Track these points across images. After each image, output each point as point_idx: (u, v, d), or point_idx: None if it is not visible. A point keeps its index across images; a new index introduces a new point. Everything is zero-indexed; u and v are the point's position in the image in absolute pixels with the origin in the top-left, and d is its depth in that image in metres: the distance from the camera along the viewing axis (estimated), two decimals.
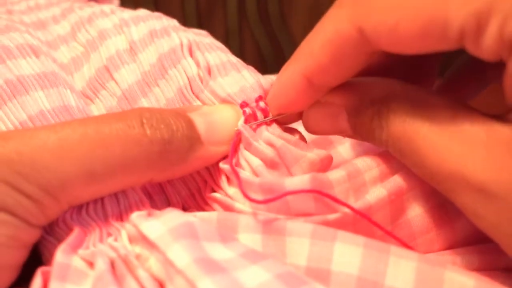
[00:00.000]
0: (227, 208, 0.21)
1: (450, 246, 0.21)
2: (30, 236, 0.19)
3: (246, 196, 0.20)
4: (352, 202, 0.20)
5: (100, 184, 0.19)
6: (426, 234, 0.21)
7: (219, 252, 0.18)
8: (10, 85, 0.23)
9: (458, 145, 0.18)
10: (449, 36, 0.17)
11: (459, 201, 0.18)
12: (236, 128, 0.22)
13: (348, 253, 0.18)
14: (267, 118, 0.22)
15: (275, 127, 0.22)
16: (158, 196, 0.23)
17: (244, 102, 0.23)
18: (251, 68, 0.25)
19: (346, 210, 0.20)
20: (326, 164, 0.22)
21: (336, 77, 0.20)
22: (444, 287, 0.17)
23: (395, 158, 0.21)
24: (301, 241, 0.19)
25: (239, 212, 0.20)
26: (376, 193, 0.20)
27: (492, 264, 0.20)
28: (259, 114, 0.22)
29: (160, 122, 0.20)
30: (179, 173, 0.21)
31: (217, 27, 0.53)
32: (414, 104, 0.19)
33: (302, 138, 0.23)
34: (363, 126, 0.21)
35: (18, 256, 0.19)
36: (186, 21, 0.53)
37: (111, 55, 0.25)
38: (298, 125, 0.24)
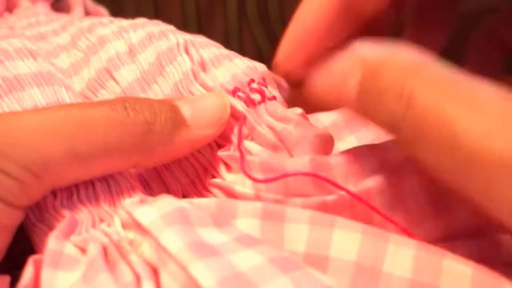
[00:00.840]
0: (227, 192, 0.21)
1: (449, 237, 0.21)
2: (11, 218, 0.19)
3: (246, 173, 0.20)
4: (350, 186, 0.20)
5: (83, 165, 0.19)
6: (424, 223, 0.21)
7: (213, 236, 0.18)
8: (7, 81, 0.24)
9: (498, 123, 0.16)
10: None
11: (494, 185, 0.16)
12: (227, 112, 0.22)
13: (346, 239, 0.18)
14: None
15: (276, 105, 0.22)
16: (157, 184, 0.23)
17: (236, 88, 0.23)
18: (246, 58, 0.25)
19: (343, 192, 0.20)
20: (328, 146, 0.22)
21: None
22: (442, 275, 0.17)
23: (396, 147, 0.21)
24: (300, 227, 0.19)
25: (239, 195, 0.21)
26: (375, 179, 0.20)
27: (491, 257, 0.20)
28: (255, 97, 0.23)
29: (143, 106, 0.20)
30: (166, 157, 0.21)
31: (217, 27, 0.53)
32: (444, 78, 0.18)
33: (304, 115, 0.23)
34: (376, 95, 0.18)
35: None
36: (186, 21, 0.53)
37: (111, 57, 0.26)
38: None
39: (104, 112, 0.19)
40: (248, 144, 0.22)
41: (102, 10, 0.40)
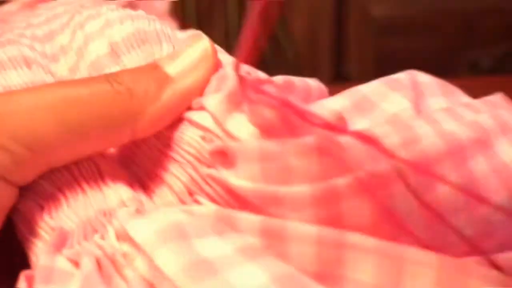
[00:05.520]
0: (224, 186, 0.20)
1: (487, 233, 0.19)
2: (4, 194, 0.18)
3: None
4: (367, 169, 0.18)
5: (75, 136, 0.19)
6: (457, 215, 0.19)
7: (212, 247, 0.17)
8: None
9: None
10: None
11: None
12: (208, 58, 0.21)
13: (360, 260, 0.17)
14: None
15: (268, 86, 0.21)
16: (158, 187, 0.23)
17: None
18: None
19: (356, 175, 0.18)
20: (341, 122, 0.20)
21: None
22: None
23: (417, 123, 0.20)
24: (306, 249, 0.18)
25: (234, 187, 0.19)
26: (397, 163, 0.18)
27: None
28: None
29: (124, 75, 0.20)
30: (159, 117, 0.20)
31: (217, 27, 0.53)
32: None
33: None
34: None
35: None
36: (186, 21, 0.53)
37: (91, 62, 0.25)
38: None
39: (88, 86, 0.20)
40: (236, 119, 0.20)
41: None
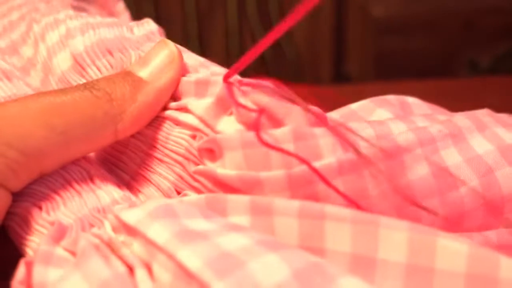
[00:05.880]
0: (211, 177, 0.21)
1: (457, 215, 0.20)
2: (2, 200, 0.19)
3: (235, 102, 0.20)
4: (340, 153, 0.20)
5: (63, 139, 0.20)
6: (429, 199, 0.20)
7: (200, 225, 0.18)
8: None
9: None
10: None
11: None
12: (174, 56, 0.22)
13: (338, 230, 0.18)
14: None
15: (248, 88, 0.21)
16: (145, 187, 0.23)
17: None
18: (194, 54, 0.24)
19: (331, 159, 0.19)
20: (320, 117, 0.21)
21: None
22: (437, 255, 0.17)
23: (391, 121, 0.21)
24: (290, 221, 0.18)
25: (222, 177, 0.20)
26: (368, 148, 0.20)
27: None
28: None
29: (100, 82, 0.22)
30: (140, 115, 0.22)
31: (217, 27, 0.53)
32: None
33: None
34: None
35: None
36: (186, 21, 0.52)
37: (59, 78, 0.25)
38: None
39: (69, 95, 0.21)
40: (225, 121, 0.21)
41: None
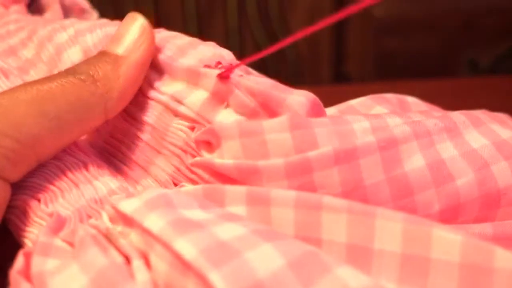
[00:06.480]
0: (208, 168, 0.21)
1: (452, 207, 0.20)
2: (1, 191, 0.19)
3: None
4: (336, 144, 0.20)
5: (57, 123, 0.21)
6: (425, 190, 0.20)
7: (197, 215, 0.18)
8: None
9: None
10: None
11: None
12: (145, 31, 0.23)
13: (334, 220, 0.18)
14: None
15: (248, 75, 0.22)
16: (142, 178, 0.23)
17: (205, 65, 0.23)
18: (211, 43, 0.25)
19: (327, 148, 0.19)
20: (316, 108, 0.21)
21: None
22: (432, 246, 0.17)
23: (388, 115, 0.21)
24: (286, 211, 0.19)
25: (219, 167, 0.20)
26: (364, 138, 0.20)
27: (508, 233, 0.20)
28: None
29: (82, 66, 0.22)
30: (126, 89, 0.22)
31: (217, 27, 0.53)
32: None
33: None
34: None
35: None
36: (186, 21, 0.53)
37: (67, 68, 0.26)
38: None
39: (54, 82, 0.21)
40: (223, 114, 0.22)
41: (81, 1, 0.39)
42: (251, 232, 0.17)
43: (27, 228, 0.20)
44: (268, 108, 0.21)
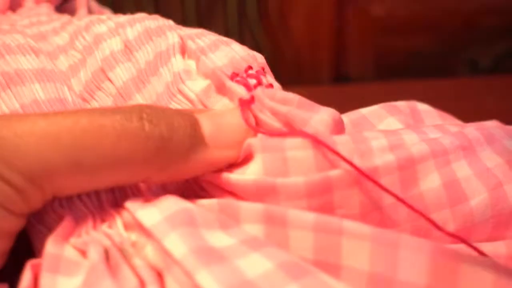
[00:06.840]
0: (223, 184, 0.20)
1: (467, 227, 0.21)
2: (12, 225, 0.18)
3: (250, 125, 0.20)
4: (357, 163, 0.19)
5: (87, 176, 0.18)
6: (440, 210, 0.20)
7: (219, 239, 0.17)
8: (6, 76, 0.23)
9: None
10: None
11: None
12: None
13: (356, 247, 0.17)
14: None
15: (273, 89, 0.22)
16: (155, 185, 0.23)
17: (233, 73, 0.22)
18: (245, 46, 0.25)
19: (349, 168, 0.19)
20: (339, 126, 0.21)
21: None
22: (460, 282, 0.16)
23: (404, 131, 0.21)
24: (304, 234, 0.18)
25: (236, 183, 0.20)
26: (383, 157, 0.20)
27: None
28: (251, 82, 0.22)
29: (161, 119, 0.18)
30: (179, 175, 0.20)
31: (217, 27, 0.53)
32: None
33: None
34: None
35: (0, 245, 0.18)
36: (186, 21, 0.53)
37: (105, 56, 0.26)
38: None
39: (116, 122, 0.18)
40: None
41: (106, 11, 0.40)
42: (276, 267, 0.16)
43: (38, 226, 0.19)
44: (291, 128, 0.20)
